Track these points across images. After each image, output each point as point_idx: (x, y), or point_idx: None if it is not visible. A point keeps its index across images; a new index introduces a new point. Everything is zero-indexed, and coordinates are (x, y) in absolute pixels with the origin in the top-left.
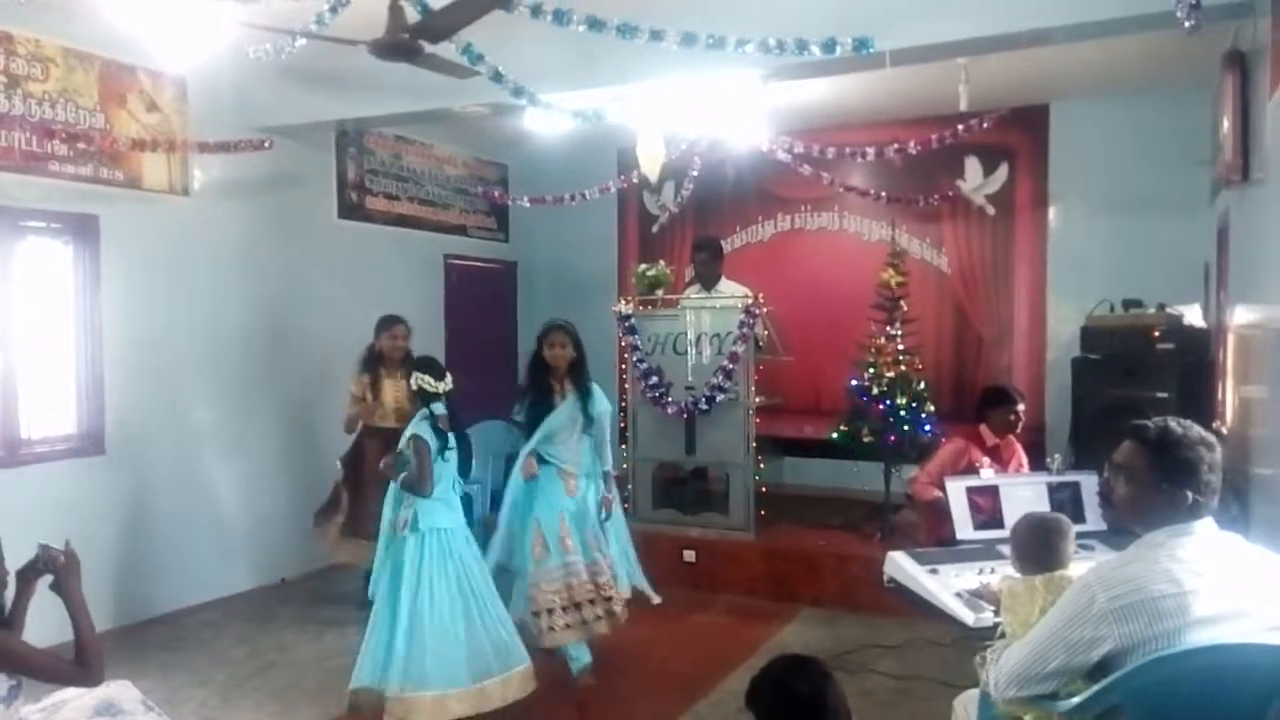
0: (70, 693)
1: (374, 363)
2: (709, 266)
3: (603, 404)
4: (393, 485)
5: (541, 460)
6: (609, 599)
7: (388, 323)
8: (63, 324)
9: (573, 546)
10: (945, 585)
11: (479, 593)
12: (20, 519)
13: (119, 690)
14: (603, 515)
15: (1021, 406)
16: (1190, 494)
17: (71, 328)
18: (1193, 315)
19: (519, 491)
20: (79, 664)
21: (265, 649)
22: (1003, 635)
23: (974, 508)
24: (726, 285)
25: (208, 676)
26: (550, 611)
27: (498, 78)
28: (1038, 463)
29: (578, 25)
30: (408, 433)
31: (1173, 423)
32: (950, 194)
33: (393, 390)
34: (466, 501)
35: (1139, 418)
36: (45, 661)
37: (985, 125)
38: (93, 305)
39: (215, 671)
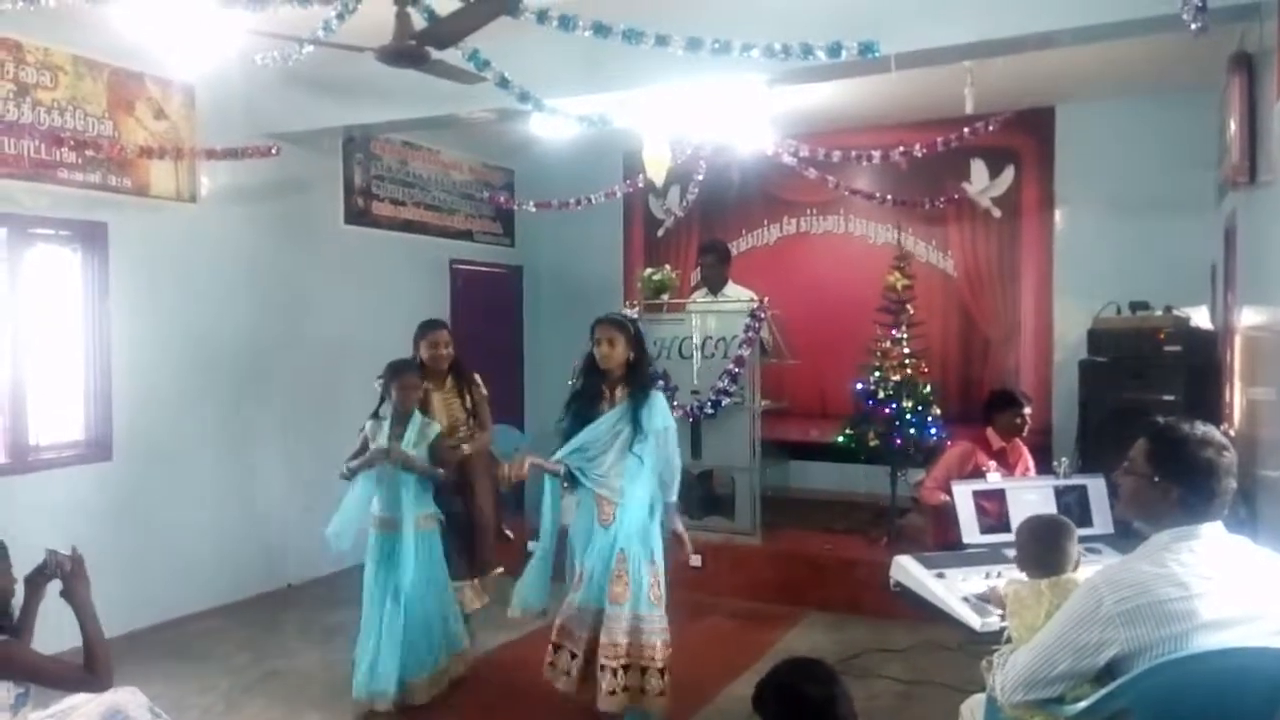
0: (78, 699)
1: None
2: (716, 269)
3: (662, 417)
4: (411, 482)
5: (574, 480)
6: (627, 668)
7: (426, 329)
8: (71, 330)
9: (581, 585)
10: (952, 589)
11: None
12: (29, 525)
13: (126, 696)
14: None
15: (1028, 410)
16: (1178, 490)
17: (80, 334)
18: (1200, 317)
19: (555, 509)
20: (87, 670)
21: (271, 655)
22: (1009, 639)
23: (980, 512)
24: (733, 289)
25: (213, 683)
26: (557, 648)
27: (504, 83)
28: (1044, 466)
29: (583, 31)
30: (433, 433)
31: (1186, 422)
32: (956, 197)
33: (442, 405)
34: None
35: (1146, 420)
36: (53, 669)
37: (991, 128)
38: (101, 312)
39: (221, 678)
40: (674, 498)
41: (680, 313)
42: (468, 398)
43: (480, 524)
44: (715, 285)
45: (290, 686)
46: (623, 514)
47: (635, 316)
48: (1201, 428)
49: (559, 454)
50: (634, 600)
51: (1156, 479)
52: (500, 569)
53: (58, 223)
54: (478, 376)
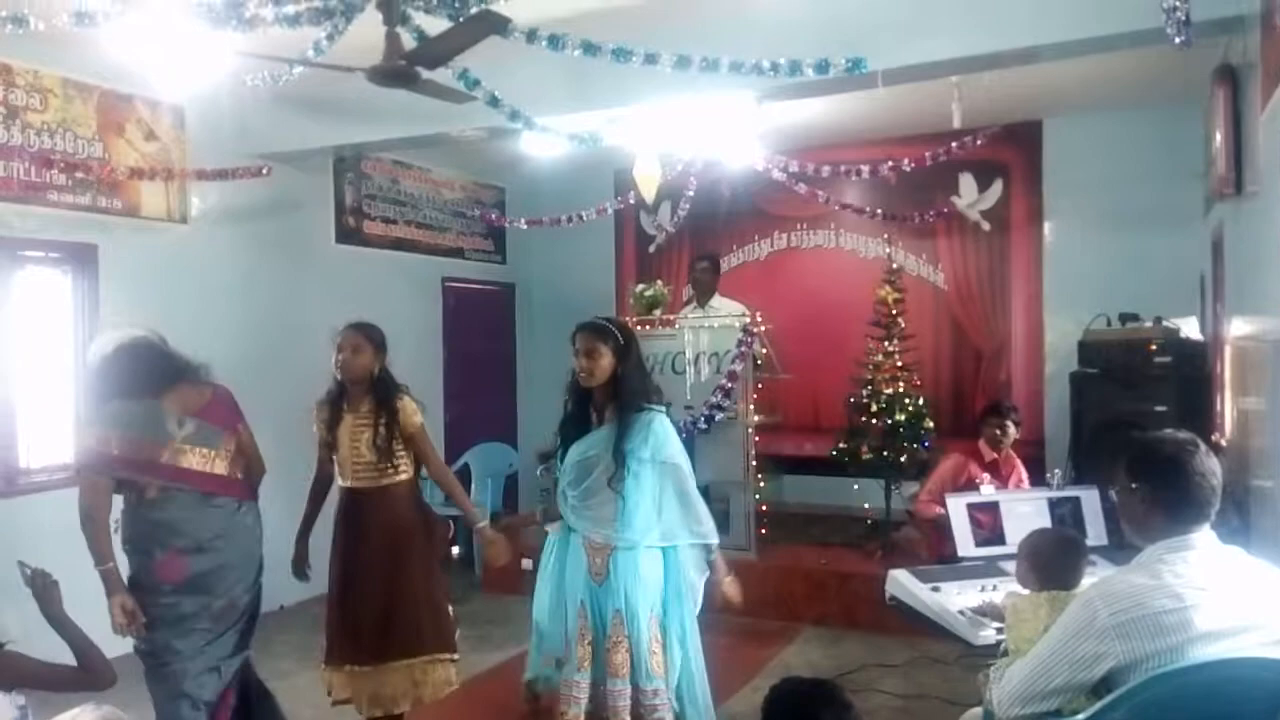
0: (72, 713)
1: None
2: (708, 274)
3: (658, 447)
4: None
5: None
6: None
7: (340, 333)
8: (61, 353)
9: (586, 657)
10: (948, 603)
11: None
12: (21, 549)
13: (109, 712)
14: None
15: (1010, 422)
16: (1151, 491)
17: (70, 356)
18: (1189, 328)
19: (552, 562)
20: (83, 670)
21: (264, 676)
22: (1006, 652)
23: (975, 524)
24: (720, 301)
25: None
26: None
27: (494, 102)
28: (1038, 478)
29: (573, 50)
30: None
31: (1155, 430)
32: (945, 210)
33: (348, 434)
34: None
35: (1138, 432)
36: (53, 673)
37: (979, 142)
38: (91, 333)
39: None
40: (713, 539)
41: (673, 328)
42: (382, 429)
43: (408, 598)
44: (704, 296)
45: (284, 708)
46: (617, 565)
47: (624, 320)
48: (1172, 432)
49: (562, 484)
50: (634, 671)
51: (1134, 486)
52: (443, 656)
53: (48, 244)
54: (410, 401)
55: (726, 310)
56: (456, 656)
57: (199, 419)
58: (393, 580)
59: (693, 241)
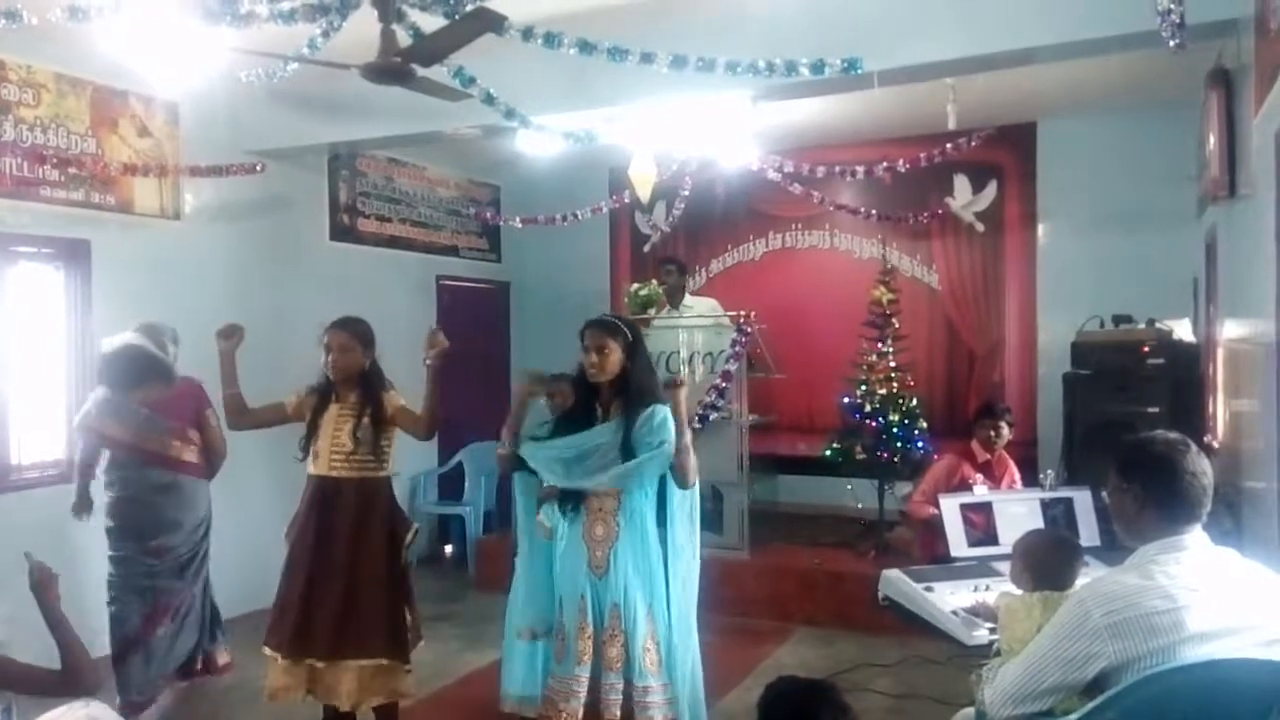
0: (56, 712)
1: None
2: (673, 276)
3: (659, 426)
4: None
5: (569, 505)
6: None
7: (327, 329)
8: (54, 349)
9: (587, 651)
10: (941, 603)
11: None
12: (11, 545)
13: (99, 711)
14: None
15: (1004, 423)
16: (1142, 490)
17: (62, 352)
18: (1182, 330)
19: (535, 549)
20: (66, 674)
21: (257, 675)
22: (998, 652)
23: (968, 525)
24: (692, 300)
25: (199, 702)
26: None
27: (489, 100)
28: (1030, 478)
29: (569, 48)
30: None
31: (1145, 431)
32: (940, 211)
33: (330, 423)
34: (459, 523)
35: (1130, 433)
36: (36, 676)
37: (973, 143)
38: (84, 330)
39: (207, 696)
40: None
41: (667, 327)
42: (365, 420)
43: (365, 598)
44: (675, 298)
45: (277, 707)
46: (617, 558)
47: (631, 318)
48: (1163, 433)
49: (526, 449)
50: (627, 666)
51: (1125, 486)
52: (396, 665)
53: (40, 240)
54: (395, 394)
55: (698, 310)
56: (409, 668)
57: (152, 411)
58: (353, 577)
59: (687, 241)
